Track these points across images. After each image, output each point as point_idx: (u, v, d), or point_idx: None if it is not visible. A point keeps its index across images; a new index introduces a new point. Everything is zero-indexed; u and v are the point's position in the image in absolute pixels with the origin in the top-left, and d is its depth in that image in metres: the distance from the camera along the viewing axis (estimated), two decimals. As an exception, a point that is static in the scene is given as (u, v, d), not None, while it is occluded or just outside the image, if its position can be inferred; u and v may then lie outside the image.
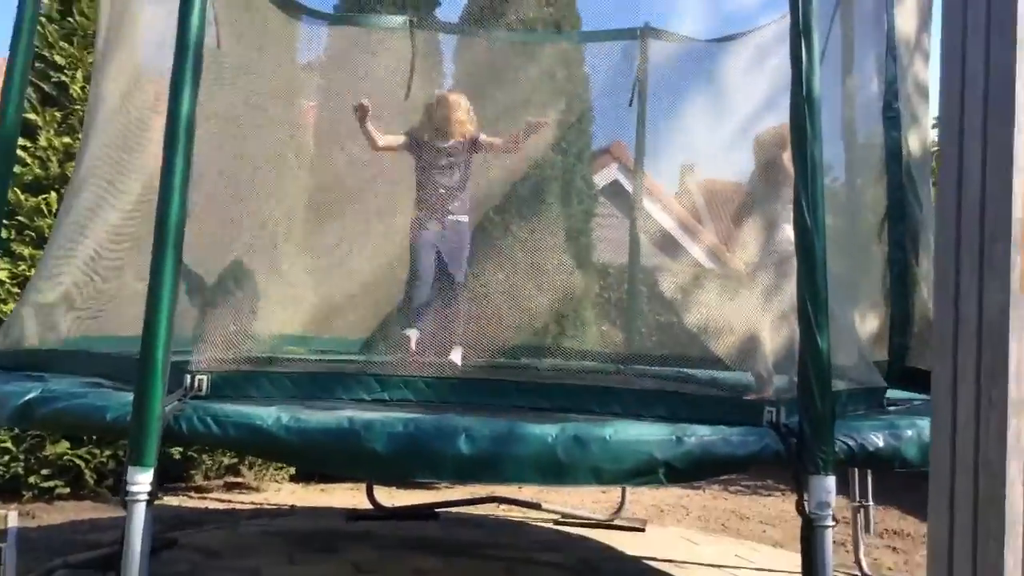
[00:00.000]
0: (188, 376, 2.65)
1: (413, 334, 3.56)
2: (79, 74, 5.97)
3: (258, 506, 5.56)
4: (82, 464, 5.26)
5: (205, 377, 2.67)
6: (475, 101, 4.97)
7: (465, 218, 3.95)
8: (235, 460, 5.88)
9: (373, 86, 4.96)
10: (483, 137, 3.97)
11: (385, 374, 2.89)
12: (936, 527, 1.34)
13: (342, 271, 4.53)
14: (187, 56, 2.64)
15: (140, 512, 2.32)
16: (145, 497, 2.33)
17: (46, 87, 5.95)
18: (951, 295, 1.38)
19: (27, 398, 2.71)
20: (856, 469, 4.08)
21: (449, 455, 2.37)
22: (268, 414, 2.48)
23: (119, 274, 3.95)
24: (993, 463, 1.28)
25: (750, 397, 2.94)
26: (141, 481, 2.34)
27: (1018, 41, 1.39)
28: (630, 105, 5.47)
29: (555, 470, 2.38)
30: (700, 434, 2.48)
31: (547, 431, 2.41)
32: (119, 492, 3.95)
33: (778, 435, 2.53)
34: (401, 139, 3.96)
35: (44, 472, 5.24)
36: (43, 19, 5.76)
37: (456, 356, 3.49)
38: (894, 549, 4.92)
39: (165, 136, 2.59)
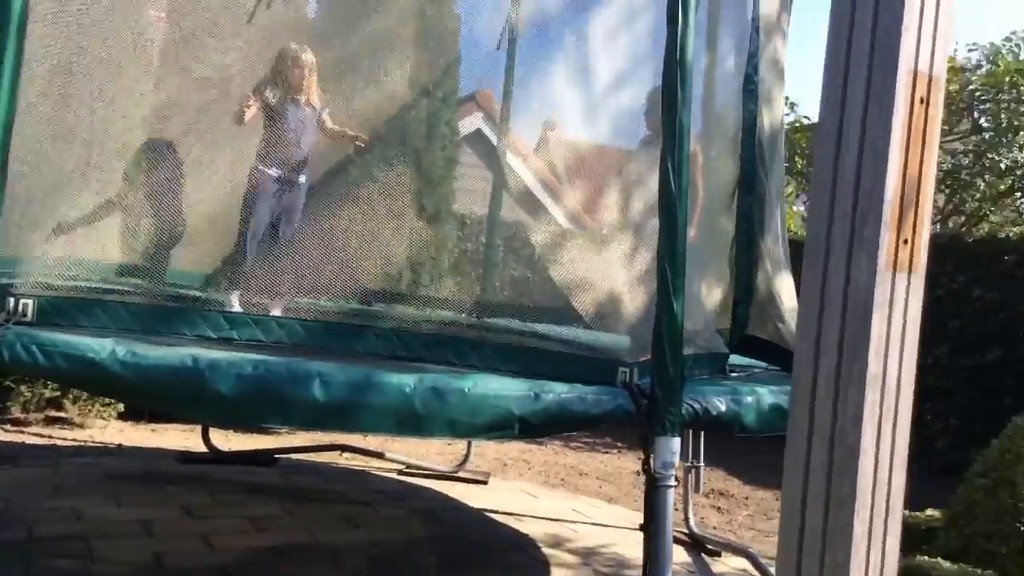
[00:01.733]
0: (11, 299, 2.40)
1: (235, 298, 3.43)
2: None
3: (82, 443, 5.23)
4: None
5: (31, 301, 2.43)
6: (339, 34, 4.76)
7: (304, 179, 3.98)
8: (57, 393, 5.47)
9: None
10: (326, 115, 4.04)
11: (233, 311, 2.73)
12: (789, 492, 1.39)
13: (184, 199, 4.25)
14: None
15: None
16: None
17: None
18: (820, 269, 1.42)
19: None
20: (690, 431, 4.27)
21: (302, 401, 2.27)
22: (102, 346, 2.27)
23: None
24: (848, 434, 1.34)
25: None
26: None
27: (903, 19, 1.42)
28: (497, 49, 5.39)
29: (412, 421, 2.32)
30: (557, 391, 2.49)
31: (405, 381, 2.35)
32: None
33: (630, 395, 2.57)
34: (254, 105, 3.87)
35: None
36: None
37: (277, 310, 3.39)
38: (719, 509, 5.21)
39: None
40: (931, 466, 6.10)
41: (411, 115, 6.25)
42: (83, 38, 3.73)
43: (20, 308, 2.42)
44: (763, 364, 3.79)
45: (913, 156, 1.35)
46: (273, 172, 3.85)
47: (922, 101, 1.36)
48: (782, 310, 4.10)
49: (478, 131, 8.50)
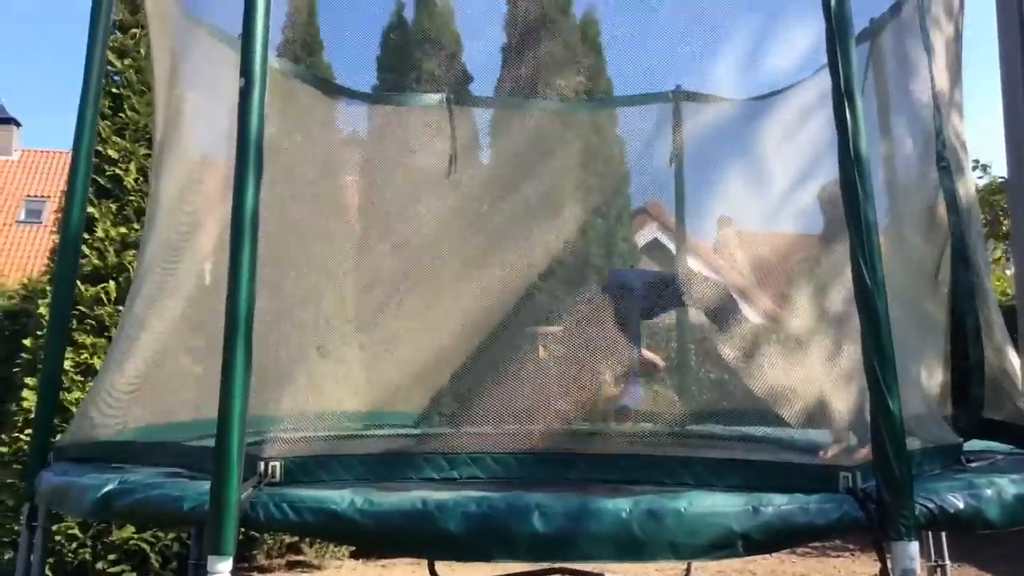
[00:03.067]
0: (262, 463, 2.69)
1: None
2: (132, 166, 6.21)
3: (320, 585, 5.55)
4: (147, 548, 5.31)
5: (278, 463, 2.71)
6: (515, 173, 5.09)
7: None
8: (296, 539, 5.89)
9: (416, 161, 5.11)
10: None
11: (452, 452, 2.90)
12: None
13: (394, 348, 4.59)
14: (249, 150, 2.74)
15: (220, 599, 2.33)
16: (226, 584, 2.35)
17: (101, 180, 6.19)
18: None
19: (106, 490, 2.76)
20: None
21: (523, 534, 2.37)
22: (342, 497, 2.50)
23: (176, 358, 4.05)
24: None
25: (825, 458, 2.89)
26: (221, 570, 2.37)
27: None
28: (670, 166, 5.55)
29: (631, 546, 2.36)
30: (777, 503, 2.44)
31: (621, 506, 2.39)
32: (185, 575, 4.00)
33: (856, 501, 2.48)
34: None
35: (111, 557, 5.29)
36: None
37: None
38: (974, 609, 4.75)
39: (232, 229, 2.68)
40: None
41: (590, 236, 6.48)
42: (294, 222, 4.22)
43: (270, 471, 2.70)
44: (1005, 447, 3.52)
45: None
46: None
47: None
48: (1017, 384, 3.82)
49: (655, 240, 8.61)
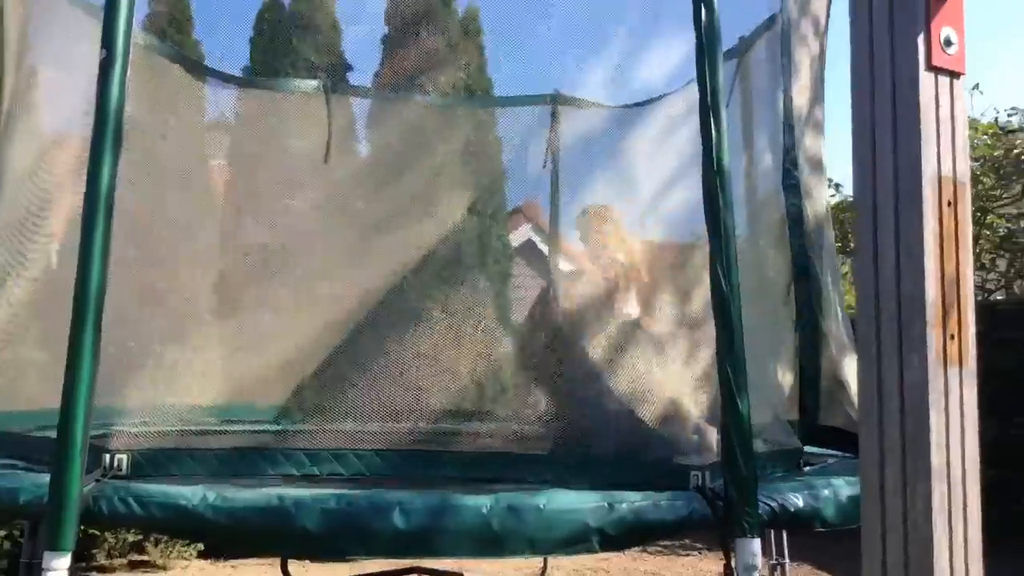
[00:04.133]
0: (107, 456, 2.55)
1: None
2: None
3: (166, 585, 5.32)
4: (-26, 547, 4.95)
5: (125, 456, 2.58)
6: (391, 167, 5.04)
7: None
8: (139, 537, 5.62)
9: (288, 149, 4.97)
10: None
11: (314, 448, 2.85)
12: (871, 592, 1.42)
13: (258, 339, 4.45)
14: (107, 126, 2.61)
15: (57, 600, 2.20)
16: (63, 583, 2.22)
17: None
18: (874, 370, 1.47)
19: (-71, 484, 2.55)
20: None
21: (384, 530, 2.35)
22: (193, 493, 2.40)
23: (17, 345, 3.80)
24: (921, 527, 1.37)
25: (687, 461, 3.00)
26: (58, 567, 2.23)
27: (922, 132, 1.52)
28: (544, 167, 5.63)
29: (491, 542, 2.38)
30: (631, 500, 2.52)
31: (481, 502, 2.41)
32: (18, 574, 3.74)
33: (704, 499, 2.59)
34: None
35: (-67, 557, 4.91)
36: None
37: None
38: (810, 604, 5.04)
39: (85, 207, 2.54)
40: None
41: (463, 235, 6.49)
42: (152, 206, 4.03)
43: (115, 463, 2.57)
44: (837, 453, 3.75)
45: (948, 257, 1.43)
46: None
47: (950, 204, 1.44)
48: (851, 395, 4.07)
49: (529, 242, 8.71)
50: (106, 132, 2.55)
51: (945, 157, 1.48)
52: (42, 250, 3.88)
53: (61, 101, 4.07)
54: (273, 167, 4.64)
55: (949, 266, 1.42)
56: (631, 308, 4.51)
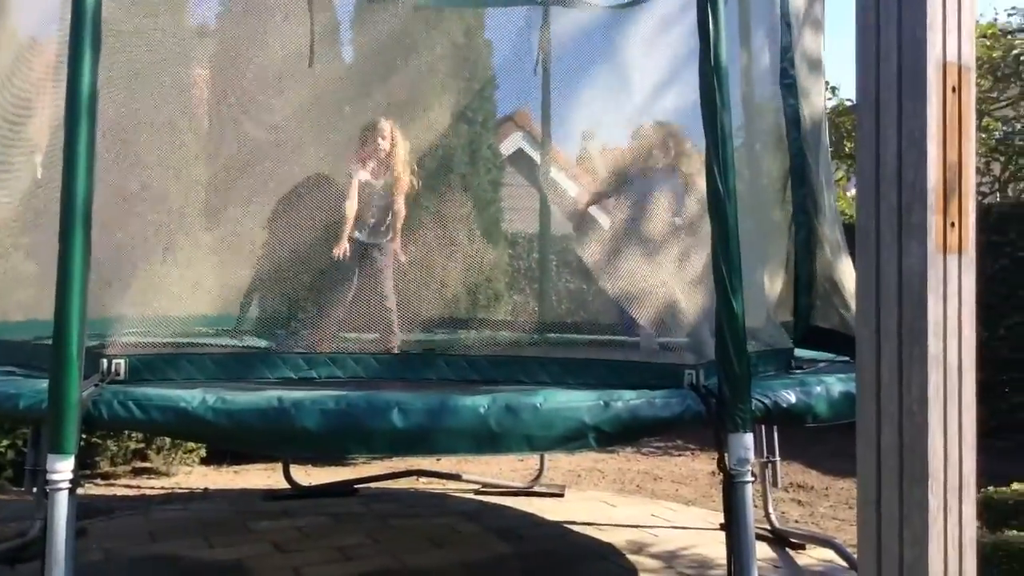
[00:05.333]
0: (104, 360, 2.56)
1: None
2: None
3: (169, 491, 5.42)
4: (-22, 456, 5.01)
5: (122, 361, 2.59)
6: (379, 70, 4.92)
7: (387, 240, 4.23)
8: (142, 444, 5.69)
9: (275, 53, 4.84)
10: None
11: (310, 352, 2.86)
12: (864, 474, 1.44)
13: (246, 248, 4.42)
14: (84, 25, 2.52)
15: (63, 500, 2.24)
16: (67, 485, 2.26)
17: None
18: (872, 257, 1.47)
19: (-72, 390, 2.56)
20: (763, 427, 4.27)
21: (383, 430, 2.38)
22: (193, 396, 2.42)
23: (8, 257, 3.78)
24: (916, 414, 1.38)
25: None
26: (62, 469, 2.26)
27: (927, 12, 1.47)
28: (534, 73, 5.51)
29: (488, 439, 2.42)
30: (626, 398, 2.55)
31: (479, 402, 2.44)
32: (25, 483, 3.81)
33: (699, 396, 2.63)
34: (354, 192, 4.16)
35: (-63, 466, 4.98)
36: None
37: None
38: (799, 502, 5.19)
39: (66, 111, 2.48)
40: (1015, 440, 5.98)
41: (454, 143, 6.40)
42: (137, 112, 3.94)
43: (113, 368, 2.58)
44: (828, 357, 3.80)
45: (951, 143, 1.40)
46: (360, 237, 4.15)
47: (954, 90, 1.41)
48: (845, 296, 4.09)
49: (519, 151, 8.61)
50: (84, 28, 2.48)
51: (951, 42, 1.44)
52: (25, 159, 3.82)
53: (34, 3, 3.94)
54: (255, 70, 4.51)
55: (952, 153, 1.40)
56: (623, 212, 4.50)
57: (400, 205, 4.20)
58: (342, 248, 3.98)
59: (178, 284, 3.70)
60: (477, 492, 5.16)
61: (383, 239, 4.18)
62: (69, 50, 2.53)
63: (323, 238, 4.02)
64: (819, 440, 5.44)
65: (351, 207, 4.08)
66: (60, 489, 2.25)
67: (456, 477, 5.34)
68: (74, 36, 2.50)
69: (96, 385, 2.49)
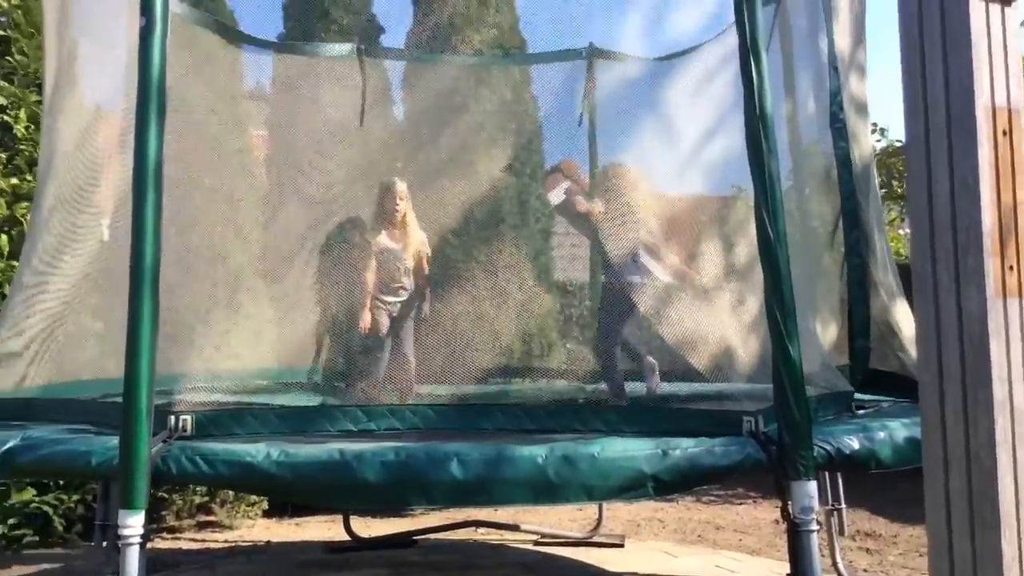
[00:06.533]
0: (172, 417, 2.64)
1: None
2: (22, 113, 5.86)
3: (232, 544, 5.48)
4: (50, 511, 5.13)
5: (189, 417, 2.66)
6: (427, 126, 5.04)
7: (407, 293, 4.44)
8: (206, 498, 5.78)
9: (325, 114, 5.00)
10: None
11: (370, 404, 2.91)
12: (934, 522, 1.42)
13: (305, 301, 4.53)
14: (151, 93, 2.65)
15: (134, 555, 2.30)
16: (138, 540, 2.32)
17: (-10, 129, 5.83)
18: (931, 302, 1.47)
19: (8, 446, 2.66)
20: (826, 473, 4.18)
21: (442, 481, 2.40)
22: (257, 450, 2.48)
23: (77, 316, 3.92)
24: (984, 459, 1.37)
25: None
26: (133, 524, 2.33)
27: (973, 59, 1.49)
28: (579, 124, 5.59)
29: (546, 489, 2.42)
30: (684, 446, 2.54)
31: (536, 452, 2.45)
32: (92, 538, 3.89)
33: (758, 444, 2.60)
34: (373, 264, 4.40)
35: (11, 521, 5.10)
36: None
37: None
38: (867, 550, 5.04)
39: (134, 177, 2.59)
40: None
41: (503, 194, 6.49)
42: (198, 175, 4.10)
43: (180, 424, 2.65)
44: (890, 398, 3.73)
45: (1005, 186, 1.40)
46: (387, 299, 4.37)
47: (1005, 133, 1.42)
48: (902, 339, 4.03)
49: (568, 200, 8.67)
50: (150, 98, 2.60)
51: (999, 86, 1.45)
52: (93, 223, 3.97)
53: (102, 76, 4.13)
54: (310, 132, 4.68)
55: (1006, 195, 1.40)
56: (674, 260, 4.50)
57: (419, 264, 4.41)
58: (365, 320, 4.17)
59: (242, 340, 3.80)
60: (536, 543, 5.12)
61: (404, 297, 4.37)
62: (136, 117, 2.65)
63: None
64: (885, 486, 5.29)
65: (371, 278, 4.31)
66: (131, 544, 2.31)
67: (514, 527, 5.30)
68: (141, 103, 2.62)
69: (164, 441, 2.56)
